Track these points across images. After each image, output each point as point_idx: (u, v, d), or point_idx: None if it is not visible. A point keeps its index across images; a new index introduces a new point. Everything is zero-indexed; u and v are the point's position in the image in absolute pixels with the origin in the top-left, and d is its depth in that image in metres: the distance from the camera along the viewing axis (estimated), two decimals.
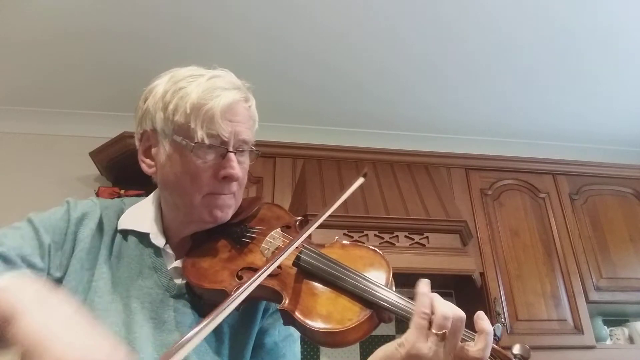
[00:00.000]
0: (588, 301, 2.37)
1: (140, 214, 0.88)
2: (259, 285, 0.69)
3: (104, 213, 0.87)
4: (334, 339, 0.69)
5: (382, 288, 0.72)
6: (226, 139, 0.79)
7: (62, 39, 2.29)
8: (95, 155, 2.49)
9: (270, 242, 0.81)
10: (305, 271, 0.76)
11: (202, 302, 0.80)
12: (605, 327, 2.46)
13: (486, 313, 2.31)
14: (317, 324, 0.69)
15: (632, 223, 2.64)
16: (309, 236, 0.79)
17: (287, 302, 0.72)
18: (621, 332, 2.49)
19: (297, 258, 0.77)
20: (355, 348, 2.45)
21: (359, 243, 0.86)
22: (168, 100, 0.81)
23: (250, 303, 0.80)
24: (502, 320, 2.21)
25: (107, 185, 2.53)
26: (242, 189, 0.86)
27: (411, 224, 2.26)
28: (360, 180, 0.84)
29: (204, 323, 0.59)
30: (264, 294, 0.75)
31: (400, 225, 2.24)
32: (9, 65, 2.46)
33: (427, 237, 2.23)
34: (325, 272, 0.75)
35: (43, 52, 2.37)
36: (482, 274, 2.36)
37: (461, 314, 0.67)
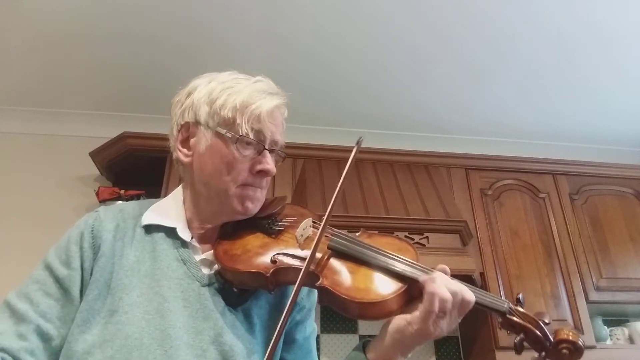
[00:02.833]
0: (588, 301, 2.37)
1: (164, 210, 0.92)
2: (295, 268, 0.77)
3: (118, 216, 0.90)
4: (373, 310, 0.75)
5: (414, 264, 0.79)
6: (265, 137, 0.87)
7: (62, 39, 2.29)
8: (95, 155, 2.49)
9: (304, 229, 0.86)
10: (339, 253, 0.82)
11: (233, 289, 0.84)
12: (605, 327, 2.46)
13: (486, 313, 2.31)
14: (358, 296, 0.75)
15: (632, 223, 2.63)
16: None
17: (324, 280, 0.77)
18: (621, 332, 2.48)
19: (331, 241, 0.83)
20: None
21: (384, 233, 0.93)
22: (216, 96, 0.87)
23: (278, 296, 0.88)
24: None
25: (107, 185, 2.53)
26: (267, 188, 0.92)
27: (411, 224, 2.26)
28: (355, 148, 0.89)
29: (288, 304, 0.70)
30: (300, 278, 0.78)
31: (400, 225, 2.24)
32: (9, 66, 2.46)
33: (427, 237, 2.23)
34: (359, 252, 0.81)
35: (43, 52, 2.37)
36: (482, 274, 2.36)
37: (459, 296, 0.74)
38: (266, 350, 0.82)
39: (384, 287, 0.76)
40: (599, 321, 2.45)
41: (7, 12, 2.13)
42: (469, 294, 0.76)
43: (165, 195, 2.49)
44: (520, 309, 0.79)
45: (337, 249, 0.82)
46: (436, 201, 2.41)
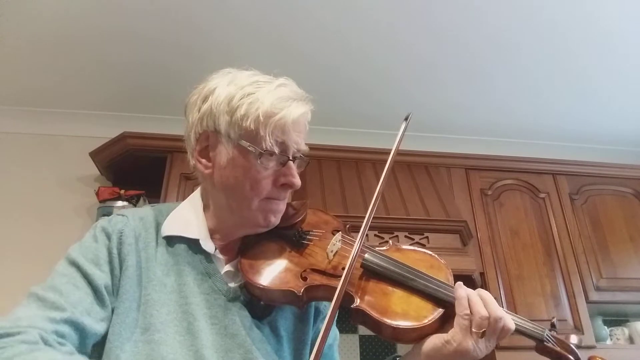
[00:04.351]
0: (588, 301, 2.37)
1: (184, 219, 0.87)
2: (327, 287, 0.75)
3: (139, 225, 0.85)
4: (411, 335, 0.74)
5: (448, 285, 0.77)
6: (290, 146, 0.82)
7: (62, 40, 2.29)
8: (95, 155, 2.49)
9: (334, 244, 0.83)
10: (373, 272, 0.80)
11: (260, 303, 0.82)
12: (605, 327, 2.46)
13: None
14: (396, 322, 0.73)
15: (632, 223, 2.64)
16: (367, 238, 0.84)
17: (359, 301, 0.75)
18: (621, 332, 2.49)
19: (364, 259, 0.80)
20: (356, 348, 2.45)
21: (414, 247, 0.90)
22: (236, 105, 0.81)
23: (304, 308, 0.84)
24: None
25: (107, 185, 2.53)
26: (289, 198, 0.89)
27: (411, 224, 2.26)
28: (404, 124, 0.87)
29: (323, 328, 0.68)
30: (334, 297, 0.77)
31: (400, 225, 2.24)
32: (10, 66, 2.46)
33: (427, 237, 2.23)
34: (394, 272, 0.79)
35: (43, 53, 2.36)
36: (482, 274, 2.36)
37: (497, 314, 0.73)
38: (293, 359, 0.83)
39: (421, 311, 0.75)
40: (599, 321, 2.45)
41: (8, 13, 2.13)
42: (510, 322, 0.76)
43: (166, 196, 2.46)
44: (557, 336, 0.79)
45: (371, 268, 0.80)
46: (436, 201, 2.41)
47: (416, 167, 2.61)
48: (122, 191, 2.39)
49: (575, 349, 0.77)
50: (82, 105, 2.76)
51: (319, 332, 0.90)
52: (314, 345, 0.87)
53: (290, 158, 0.83)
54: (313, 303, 0.89)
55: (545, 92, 2.71)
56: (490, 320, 0.73)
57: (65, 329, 0.69)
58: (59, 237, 2.42)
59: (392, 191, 2.43)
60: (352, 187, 2.41)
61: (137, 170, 2.46)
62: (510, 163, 2.71)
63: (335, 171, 2.50)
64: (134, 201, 2.38)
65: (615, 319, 2.57)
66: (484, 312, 0.72)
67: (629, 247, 2.56)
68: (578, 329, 2.28)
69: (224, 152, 0.82)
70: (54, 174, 2.65)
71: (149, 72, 2.49)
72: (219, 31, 2.26)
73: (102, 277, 0.77)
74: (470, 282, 2.35)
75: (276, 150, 0.80)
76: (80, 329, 0.71)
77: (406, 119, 0.87)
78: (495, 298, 2.40)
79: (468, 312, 0.73)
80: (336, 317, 0.98)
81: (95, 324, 0.73)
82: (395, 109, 2.83)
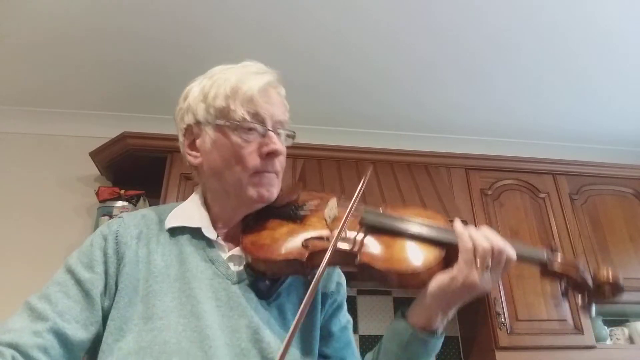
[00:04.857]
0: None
1: (187, 212, 0.90)
2: (333, 250, 0.74)
3: (140, 222, 0.88)
4: (416, 280, 0.75)
5: (447, 229, 0.78)
6: (264, 117, 0.85)
7: (62, 40, 2.29)
8: (95, 155, 2.49)
9: (331, 209, 0.85)
10: (372, 227, 0.81)
11: (265, 281, 0.82)
12: (605, 327, 2.46)
13: (486, 313, 2.30)
14: (401, 268, 0.74)
15: (632, 223, 2.63)
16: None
17: (362, 257, 0.76)
18: (621, 332, 2.48)
19: (362, 217, 0.82)
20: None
21: (405, 205, 0.91)
22: (207, 91, 0.87)
23: (310, 276, 0.84)
24: (502, 320, 2.21)
25: (107, 185, 2.54)
26: (282, 172, 0.90)
27: None
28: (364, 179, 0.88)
29: (308, 292, 0.66)
30: (337, 259, 0.77)
31: None
32: (10, 66, 2.46)
33: None
34: (392, 224, 0.80)
35: (43, 53, 2.37)
36: None
37: (499, 244, 0.74)
38: (303, 345, 0.82)
39: (424, 255, 0.76)
40: (599, 321, 2.45)
41: (8, 13, 2.13)
42: (511, 252, 0.76)
43: (166, 196, 2.48)
44: (559, 256, 0.79)
45: (369, 223, 0.81)
46: (436, 201, 2.41)
47: (416, 167, 2.61)
48: (122, 191, 2.39)
49: (579, 264, 0.77)
50: (82, 105, 2.76)
51: (328, 315, 0.91)
52: (323, 330, 0.88)
53: (269, 128, 0.85)
54: (320, 289, 0.90)
55: (545, 92, 2.71)
56: (494, 252, 0.74)
57: (48, 341, 0.72)
58: (59, 237, 2.43)
59: (392, 191, 2.43)
60: (352, 187, 2.39)
61: (137, 170, 2.46)
62: (510, 163, 2.70)
63: (335, 171, 2.50)
64: (134, 201, 2.38)
65: (615, 319, 2.57)
66: (486, 245, 0.73)
67: (629, 247, 2.56)
68: (578, 329, 2.28)
69: (207, 138, 0.86)
70: (54, 174, 2.65)
71: (149, 72, 2.49)
72: (219, 31, 2.26)
73: (94, 280, 0.79)
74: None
75: (248, 118, 0.83)
76: (63, 339, 0.73)
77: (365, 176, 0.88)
78: (495, 298, 2.40)
79: (470, 245, 0.74)
80: (345, 302, 0.97)
81: (82, 331, 0.75)
82: (395, 109, 2.83)
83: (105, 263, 0.81)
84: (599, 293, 0.75)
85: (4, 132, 2.72)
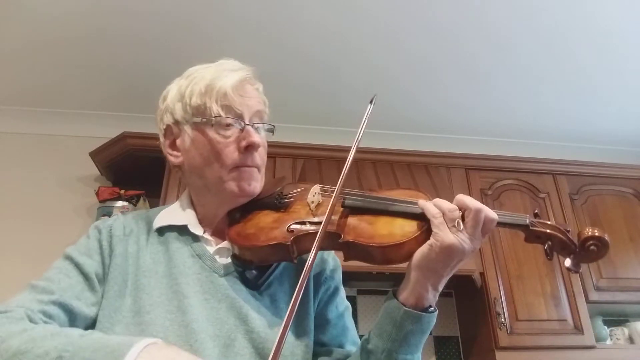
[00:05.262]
0: (588, 301, 2.37)
1: (174, 211, 0.93)
2: (314, 233, 0.75)
3: (131, 222, 0.91)
4: (399, 253, 0.76)
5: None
6: (240, 112, 0.86)
7: (62, 41, 2.29)
8: (95, 155, 2.49)
9: (314, 195, 0.86)
10: (354, 208, 0.83)
11: (252, 271, 0.83)
12: (605, 327, 2.46)
13: (486, 313, 2.30)
14: (383, 241, 0.75)
15: (632, 223, 2.63)
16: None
17: (346, 236, 0.77)
18: (621, 332, 2.48)
19: (344, 200, 0.84)
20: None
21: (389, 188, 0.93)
22: (184, 90, 0.87)
23: (297, 260, 0.84)
24: (502, 320, 2.21)
25: (107, 185, 2.54)
26: (264, 166, 0.91)
27: None
28: (370, 107, 0.89)
29: (302, 275, 0.67)
30: (323, 241, 0.77)
31: None
32: (10, 66, 2.46)
33: None
34: (374, 203, 0.82)
35: (43, 53, 2.37)
36: (482, 274, 2.35)
37: (476, 204, 0.74)
38: (297, 334, 0.82)
39: (406, 228, 0.77)
40: (599, 321, 2.45)
41: (8, 14, 2.13)
42: (491, 212, 0.76)
43: (166, 196, 2.48)
44: (541, 220, 0.80)
45: (352, 205, 0.83)
46: None
47: (416, 167, 2.61)
48: (122, 191, 2.39)
49: (562, 225, 0.78)
50: (82, 105, 2.76)
51: (324, 302, 0.91)
52: (319, 318, 0.88)
53: (246, 122, 0.86)
54: (312, 276, 0.90)
55: (545, 92, 2.71)
56: (466, 210, 0.74)
57: (54, 310, 0.73)
58: (59, 237, 2.42)
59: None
60: (352, 187, 2.41)
61: (137, 170, 2.46)
62: (510, 163, 2.70)
63: (336, 171, 2.50)
64: (134, 201, 2.38)
65: (615, 319, 2.57)
66: (450, 205, 0.75)
67: (629, 247, 2.56)
68: (578, 329, 2.28)
69: (186, 137, 0.87)
70: (54, 174, 2.65)
71: (150, 73, 2.49)
72: (219, 31, 2.26)
73: (93, 265, 0.82)
74: (470, 282, 2.35)
75: (223, 113, 0.84)
76: (68, 310, 0.75)
77: (371, 101, 0.90)
78: (495, 298, 2.40)
79: (436, 209, 0.75)
80: (343, 290, 0.97)
81: (85, 308, 0.77)
82: (396, 109, 2.83)
83: (101, 253, 0.84)
84: (584, 250, 0.74)
85: (4, 132, 2.72)
